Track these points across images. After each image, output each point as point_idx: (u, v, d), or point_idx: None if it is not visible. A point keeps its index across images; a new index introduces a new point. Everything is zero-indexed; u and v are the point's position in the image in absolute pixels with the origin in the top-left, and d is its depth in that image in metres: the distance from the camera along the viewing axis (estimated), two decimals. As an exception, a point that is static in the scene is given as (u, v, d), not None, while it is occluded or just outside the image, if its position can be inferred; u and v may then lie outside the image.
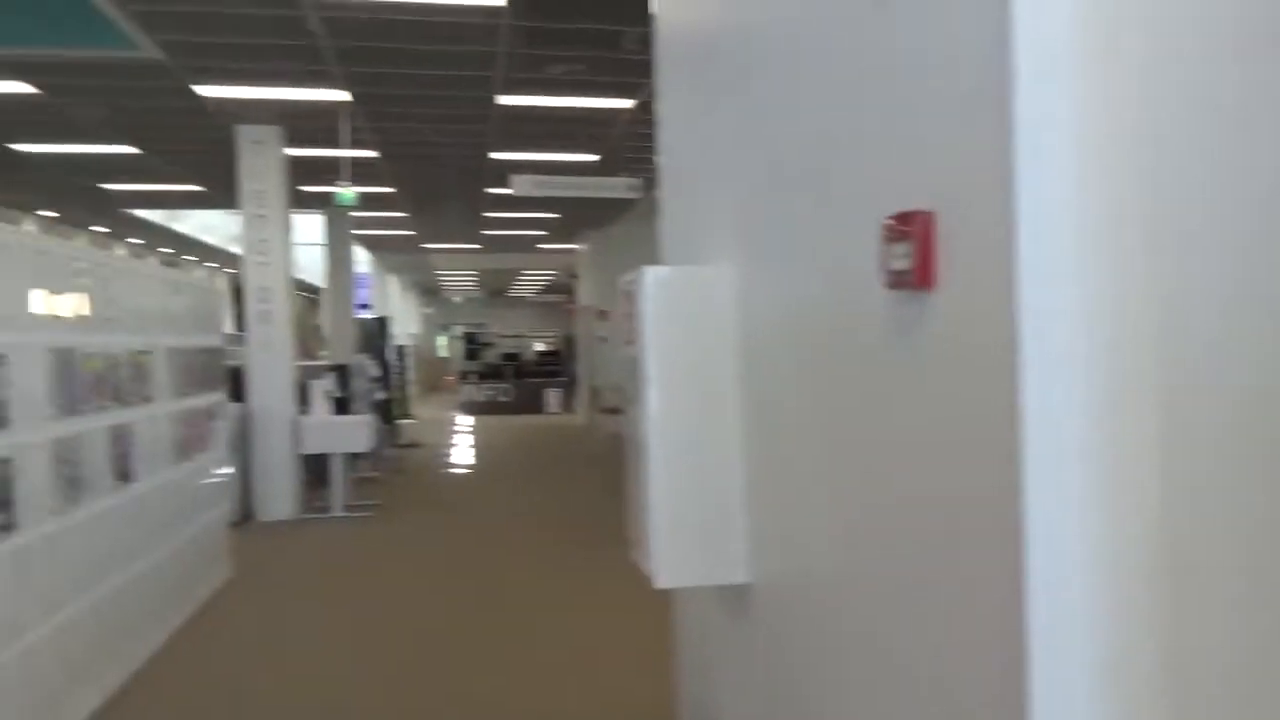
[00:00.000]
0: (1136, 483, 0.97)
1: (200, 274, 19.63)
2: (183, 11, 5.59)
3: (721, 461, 1.81)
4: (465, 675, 4.50)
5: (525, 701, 4.16)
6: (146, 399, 4.83)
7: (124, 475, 4.47)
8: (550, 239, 17.53)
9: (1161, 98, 0.99)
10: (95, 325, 4.23)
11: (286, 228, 8.61)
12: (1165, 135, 0.99)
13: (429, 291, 32.30)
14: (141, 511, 4.71)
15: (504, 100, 7.59)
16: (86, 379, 4.08)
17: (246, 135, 8.31)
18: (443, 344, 35.48)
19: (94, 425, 4.14)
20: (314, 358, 14.87)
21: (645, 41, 6.20)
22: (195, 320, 5.81)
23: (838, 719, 1.45)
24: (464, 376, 22.82)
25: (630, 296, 1.91)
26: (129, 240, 16.73)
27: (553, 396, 21.35)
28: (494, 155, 9.77)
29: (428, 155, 9.81)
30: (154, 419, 4.94)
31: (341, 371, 10.25)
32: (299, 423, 8.52)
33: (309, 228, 13.82)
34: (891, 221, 1.17)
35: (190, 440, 5.57)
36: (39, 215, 13.68)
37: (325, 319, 16.13)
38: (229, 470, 6.74)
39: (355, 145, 8.92)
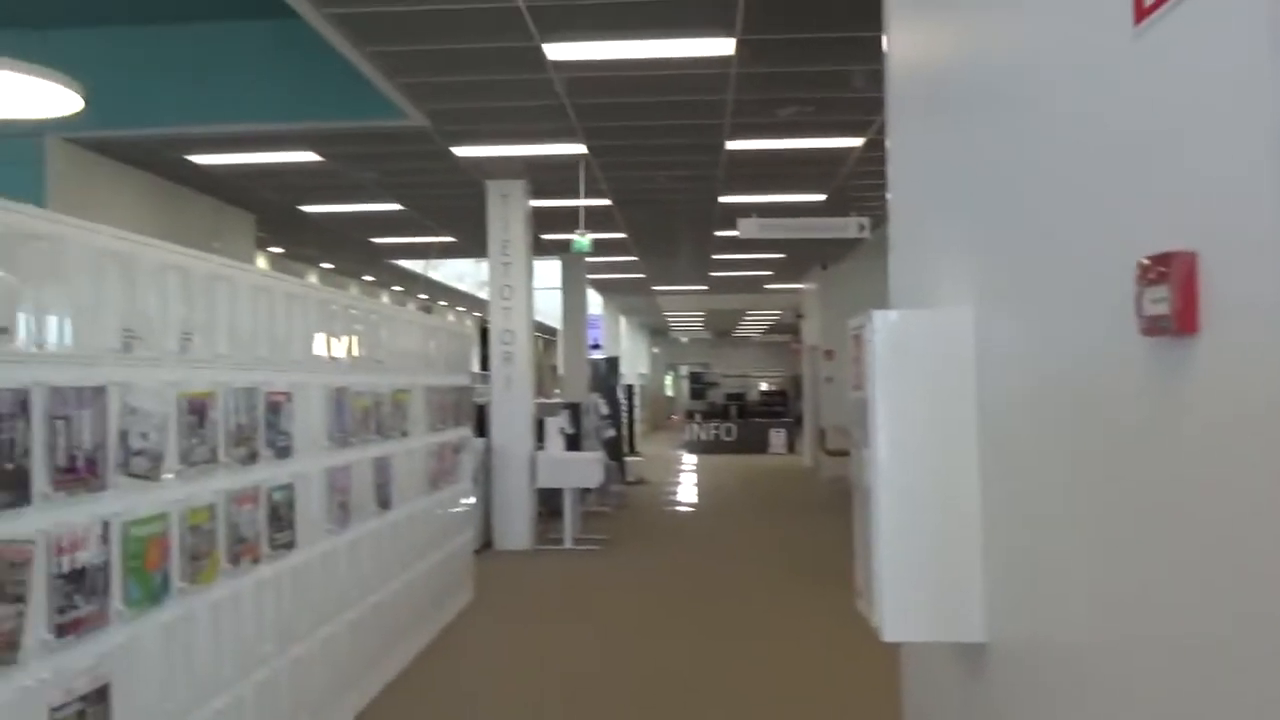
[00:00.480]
0: None
1: (452, 318, 21.34)
2: (445, 82, 6.17)
3: (956, 513, 1.73)
4: (688, 707, 4.52)
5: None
6: (404, 433, 5.29)
7: (384, 503, 4.91)
8: (776, 279, 17.52)
9: None
10: (364, 366, 4.71)
11: (528, 274, 9.19)
12: None
13: (657, 332, 33.18)
14: (398, 536, 5.14)
15: (733, 145, 7.73)
16: (356, 415, 4.54)
17: (495, 190, 8.99)
18: (669, 383, 36.29)
19: (360, 456, 4.59)
20: (549, 396, 15.68)
21: (876, 79, 6.13)
22: (447, 361, 6.32)
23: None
24: (689, 415, 23.17)
25: (859, 340, 1.89)
26: (393, 288, 18.45)
27: (777, 437, 21.20)
28: (723, 199, 9.94)
29: (658, 201, 10.15)
30: (410, 452, 5.40)
31: (574, 409, 10.73)
32: (535, 458, 8.99)
33: (547, 272, 14.65)
34: (1147, 262, 1.09)
35: (440, 472, 6.03)
36: (320, 267, 15.43)
37: (560, 359, 16.99)
38: (472, 500, 7.23)
39: (589, 194, 9.40)
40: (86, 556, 2.54)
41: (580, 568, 8.07)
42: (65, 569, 2.46)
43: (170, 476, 2.94)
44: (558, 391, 17.93)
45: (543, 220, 10.49)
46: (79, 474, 2.52)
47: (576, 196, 9.32)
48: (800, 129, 7.31)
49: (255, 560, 3.48)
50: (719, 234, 12.22)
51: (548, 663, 5.31)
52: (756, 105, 6.72)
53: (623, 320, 24.33)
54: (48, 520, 2.39)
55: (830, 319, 14.85)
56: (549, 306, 17.94)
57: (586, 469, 9.03)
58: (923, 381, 1.77)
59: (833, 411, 14.42)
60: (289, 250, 13.59)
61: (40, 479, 2.37)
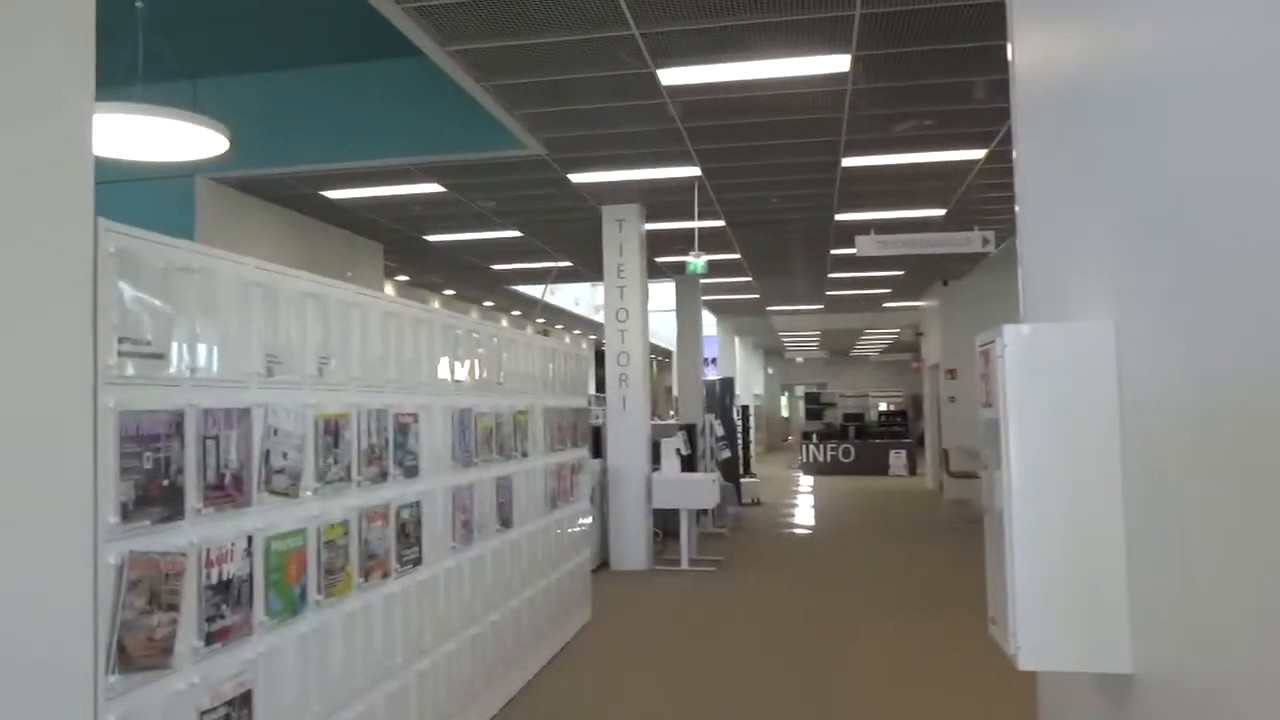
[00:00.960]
0: None
1: (569, 341, 21.74)
2: (561, 111, 6.32)
3: (1097, 536, 1.64)
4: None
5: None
6: (524, 454, 5.40)
7: (505, 521, 5.02)
8: (895, 296, 17.13)
9: None
10: (486, 388, 4.84)
11: (644, 296, 9.27)
12: None
13: (771, 352, 32.89)
14: (518, 555, 5.24)
15: (849, 162, 7.63)
16: (478, 435, 4.66)
17: (611, 214, 9.14)
18: (784, 404, 35.86)
19: (483, 476, 4.71)
20: (663, 418, 15.72)
21: (997, 89, 5.94)
22: (565, 383, 6.43)
23: None
24: (805, 436, 22.82)
25: (987, 356, 1.82)
26: (512, 312, 18.92)
27: (897, 458, 20.64)
28: (839, 217, 9.81)
29: (772, 221, 10.09)
30: (530, 472, 5.50)
31: (689, 431, 10.73)
32: (651, 478, 9.02)
33: (661, 295, 14.75)
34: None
35: (559, 492, 6.12)
36: (443, 294, 15.98)
37: (674, 380, 17.03)
38: (590, 520, 7.30)
39: (703, 216, 9.43)
40: (232, 569, 2.69)
41: (697, 589, 8.03)
42: (213, 580, 2.61)
43: (308, 494, 3.09)
44: (673, 413, 17.98)
45: (657, 243, 10.59)
46: (226, 491, 2.68)
47: (690, 219, 9.37)
48: (918, 143, 7.15)
49: (385, 575, 3.61)
50: (835, 252, 12.05)
51: (668, 684, 5.29)
52: (873, 121, 6.62)
53: (737, 341, 24.22)
54: (198, 534, 2.55)
55: (952, 336, 14.41)
56: (663, 329, 18.04)
57: (703, 490, 9.00)
58: (1058, 398, 1.69)
59: (956, 432, 13.95)
60: (414, 278, 14.14)
61: (192, 495, 2.53)
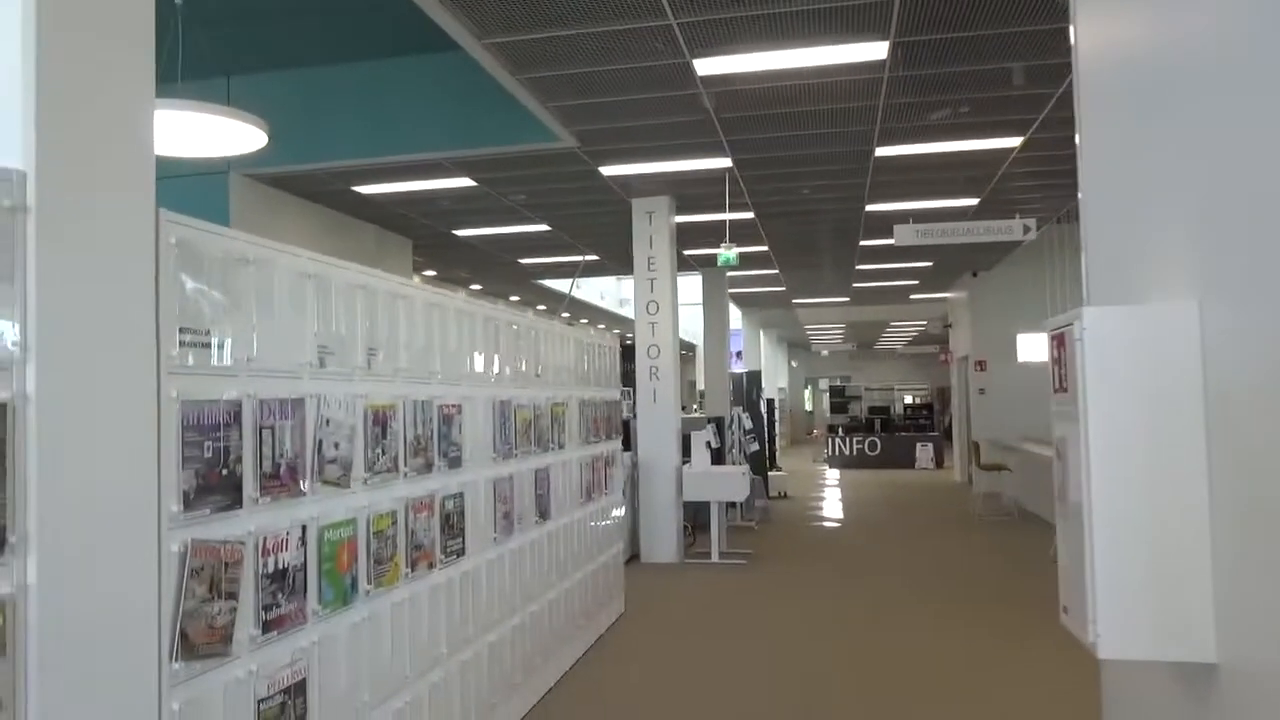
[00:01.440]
0: None
1: (602, 334, 21.74)
2: (595, 104, 6.31)
3: (1181, 522, 1.61)
4: (852, 734, 4.40)
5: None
6: (561, 446, 5.40)
7: (544, 513, 5.03)
8: (922, 288, 17.01)
9: None
10: (525, 380, 4.84)
11: (674, 289, 9.25)
12: None
13: (795, 345, 32.77)
14: (555, 547, 5.25)
15: (882, 151, 7.57)
16: (518, 427, 4.67)
17: (641, 207, 9.12)
18: (807, 397, 35.73)
19: (522, 468, 4.72)
20: (686, 411, 15.68)
21: (1036, 75, 5.87)
22: (598, 376, 6.42)
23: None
24: (830, 429, 22.73)
25: (1062, 340, 1.79)
26: (538, 307, 18.96)
27: (923, 451, 20.51)
28: (870, 208, 9.74)
29: (802, 212, 10.04)
30: (566, 464, 5.51)
31: (718, 424, 10.70)
32: (682, 471, 9.01)
33: (687, 288, 14.71)
34: None
35: (593, 484, 6.13)
36: (470, 288, 16.03)
37: (699, 373, 16.99)
38: (623, 512, 7.30)
39: (733, 208, 9.39)
40: (287, 558, 2.70)
41: (730, 582, 8.02)
42: (270, 569, 2.62)
43: (359, 484, 3.10)
44: (696, 406, 17.94)
45: (684, 236, 10.56)
46: (282, 480, 2.69)
47: (720, 211, 9.34)
48: (954, 131, 7.08)
49: (430, 566, 3.63)
50: (864, 243, 11.97)
51: (708, 677, 5.28)
52: (908, 109, 6.56)
53: (761, 334, 24.15)
54: (255, 523, 2.56)
55: (982, 328, 14.28)
56: (685, 323, 18.00)
57: (733, 483, 8.98)
58: (1139, 381, 1.66)
59: (986, 424, 13.83)
60: (442, 273, 14.19)
61: (250, 484, 2.54)
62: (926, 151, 7.59)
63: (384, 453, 3.29)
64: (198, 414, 2.33)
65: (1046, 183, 8.91)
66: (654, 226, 9.12)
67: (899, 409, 27.22)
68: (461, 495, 3.93)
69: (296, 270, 2.80)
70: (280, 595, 2.67)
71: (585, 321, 22.37)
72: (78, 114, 1.93)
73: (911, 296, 18.45)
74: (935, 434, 21.33)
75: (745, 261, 12.91)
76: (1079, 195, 2.35)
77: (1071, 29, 2.41)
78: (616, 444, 6.89)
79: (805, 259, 13.42)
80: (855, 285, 16.49)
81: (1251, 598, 1.51)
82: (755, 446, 12.61)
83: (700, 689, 5.05)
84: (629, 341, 9.36)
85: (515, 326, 4.75)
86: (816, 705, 4.76)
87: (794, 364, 33.93)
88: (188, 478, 2.29)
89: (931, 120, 6.81)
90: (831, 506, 13.57)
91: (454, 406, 3.87)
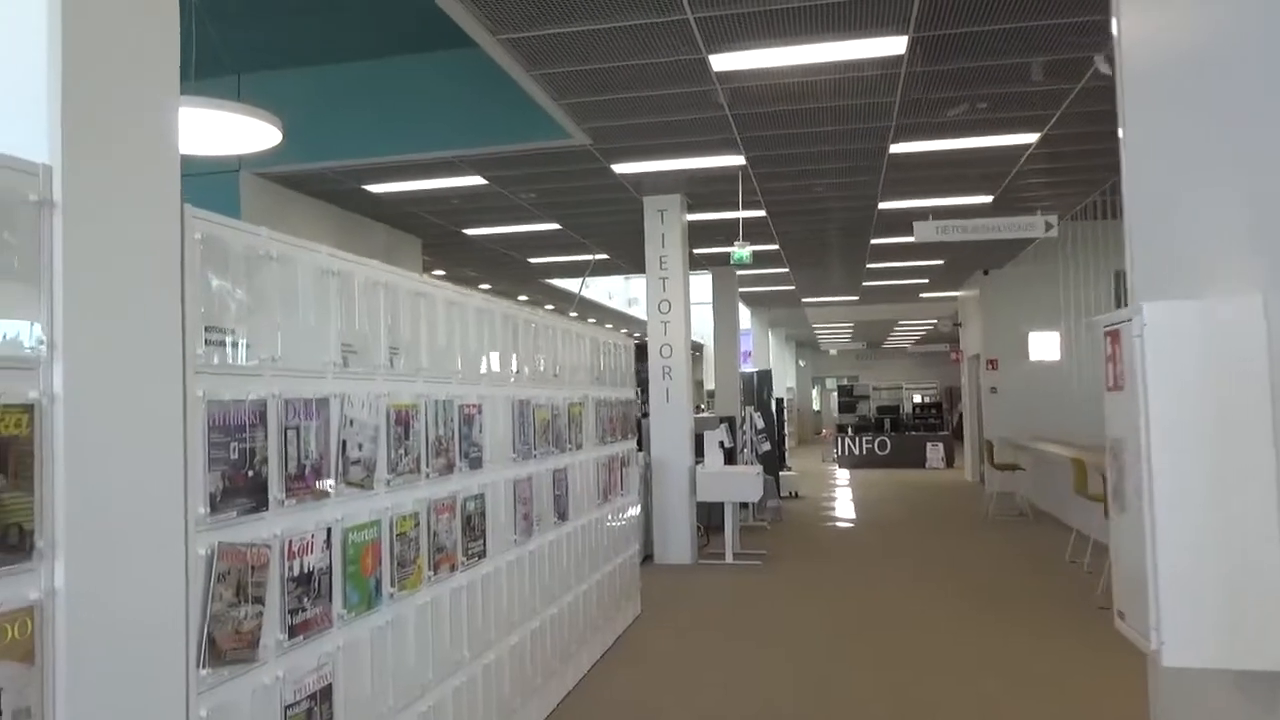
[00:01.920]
0: None
1: (616, 333, 21.69)
2: (609, 100, 6.25)
3: (1248, 524, 1.55)
4: (877, 737, 4.35)
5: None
6: (578, 446, 5.35)
7: (562, 514, 4.98)
8: (932, 287, 16.92)
9: None
10: (543, 380, 4.79)
11: (686, 288, 9.19)
12: None
13: (803, 345, 32.67)
14: (574, 548, 5.20)
15: (897, 148, 7.50)
16: (537, 427, 4.62)
17: (653, 205, 9.06)
18: (815, 396, 35.63)
19: (541, 468, 4.67)
20: (695, 411, 15.60)
21: (1056, 71, 5.80)
22: (613, 375, 6.37)
23: None
24: (840, 429, 22.65)
25: (1117, 337, 1.74)
26: (546, 306, 18.92)
27: (933, 450, 20.43)
28: (883, 205, 9.68)
29: (814, 210, 9.97)
30: (583, 464, 5.46)
31: (729, 423, 10.64)
32: (695, 471, 8.95)
33: (696, 287, 14.64)
34: None
35: (610, 484, 6.08)
36: (479, 288, 15.99)
37: (708, 373, 16.92)
38: (638, 513, 7.25)
39: (744, 206, 9.33)
40: (313, 561, 2.66)
41: (746, 582, 7.96)
42: (295, 572, 2.58)
43: (382, 485, 3.06)
44: (703, 406, 17.86)
45: (695, 234, 10.50)
46: (306, 482, 2.64)
47: (732, 209, 9.28)
48: (970, 128, 7.01)
49: (452, 568, 3.58)
50: (876, 242, 11.90)
51: (728, 678, 5.23)
52: (925, 105, 6.50)
53: (769, 334, 24.07)
54: (281, 525, 2.52)
55: (994, 326, 14.19)
56: (694, 321, 17.92)
57: (746, 483, 8.92)
58: (1202, 378, 1.61)
59: (999, 423, 13.74)
60: (450, 272, 14.14)
61: (275, 485, 2.50)
62: (942, 148, 7.52)
63: (406, 453, 3.24)
64: (223, 414, 2.29)
65: (1061, 179, 8.84)
66: (666, 225, 9.06)
67: (908, 408, 27.14)
68: (482, 496, 3.89)
69: (319, 267, 2.75)
70: (306, 599, 2.62)
71: (594, 321, 22.33)
72: (103, 108, 1.88)
73: (921, 295, 18.36)
74: (945, 433, 21.24)
75: (756, 260, 12.84)
76: (1122, 190, 2.29)
77: (1114, 21, 2.35)
78: (632, 444, 6.84)
79: (816, 257, 13.36)
80: (865, 284, 16.41)
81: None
82: (767, 446, 12.56)
83: (720, 691, 5.00)
84: (639, 340, 9.30)
85: (533, 325, 4.70)
86: (837, 706, 4.70)
87: (802, 363, 33.83)
88: (214, 479, 2.25)
89: (949, 116, 6.74)
90: (844, 506, 13.50)
91: (474, 406, 3.83)
